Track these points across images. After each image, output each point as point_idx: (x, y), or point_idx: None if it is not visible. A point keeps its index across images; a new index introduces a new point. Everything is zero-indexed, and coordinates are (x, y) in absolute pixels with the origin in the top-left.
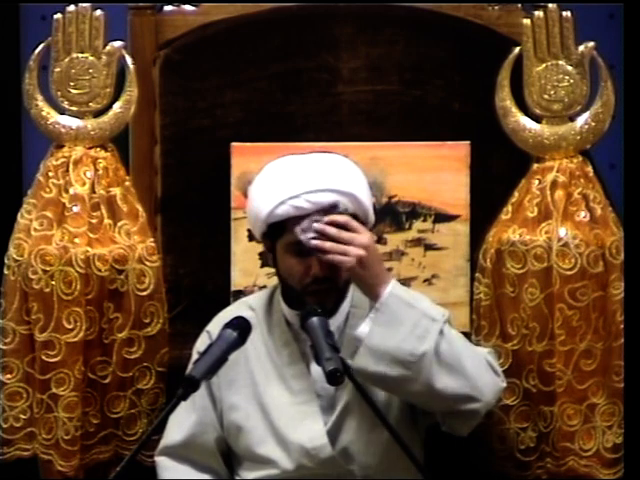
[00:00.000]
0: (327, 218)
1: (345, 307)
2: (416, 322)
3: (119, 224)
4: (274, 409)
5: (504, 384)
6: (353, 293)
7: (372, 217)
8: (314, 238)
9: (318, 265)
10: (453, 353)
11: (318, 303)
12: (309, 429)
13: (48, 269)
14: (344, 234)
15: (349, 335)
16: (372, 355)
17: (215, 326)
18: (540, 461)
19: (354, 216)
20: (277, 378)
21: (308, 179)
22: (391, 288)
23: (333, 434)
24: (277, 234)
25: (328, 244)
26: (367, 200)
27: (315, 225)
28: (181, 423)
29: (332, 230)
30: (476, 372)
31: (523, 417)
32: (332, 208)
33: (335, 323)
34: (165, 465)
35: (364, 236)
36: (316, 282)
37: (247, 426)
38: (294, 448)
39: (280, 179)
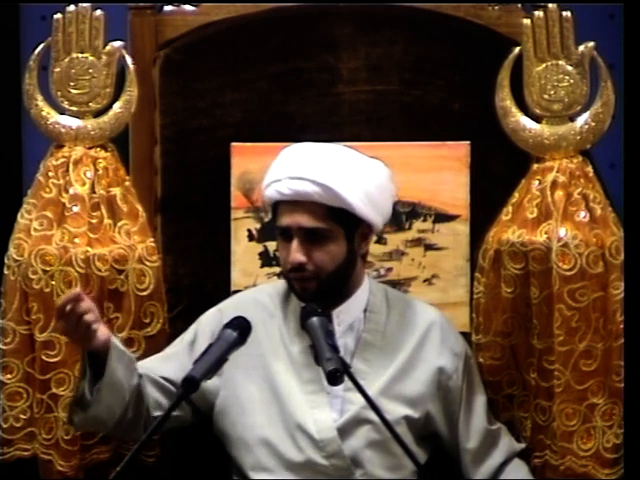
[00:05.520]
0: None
1: (356, 306)
2: None
3: (119, 224)
4: (285, 394)
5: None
6: (369, 297)
7: (366, 213)
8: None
9: (293, 252)
10: None
11: (301, 289)
12: (317, 419)
13: (48, 269)
14: None
15: (365, 339)
16: None
17: (229, 308)
18: (538, 451)
19: (336, 209)
20: (289, 365)
21: (292, 166)
22: None
23: (342, 434)
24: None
25: None
26: (353, 195)
27: None
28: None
29: None
30: None
31: (524, 407)
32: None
33: (347, 320)
34: None
35: None
36: (294, 270)
37: (254, 407)
38: (301, 436)
39: (275, 163)
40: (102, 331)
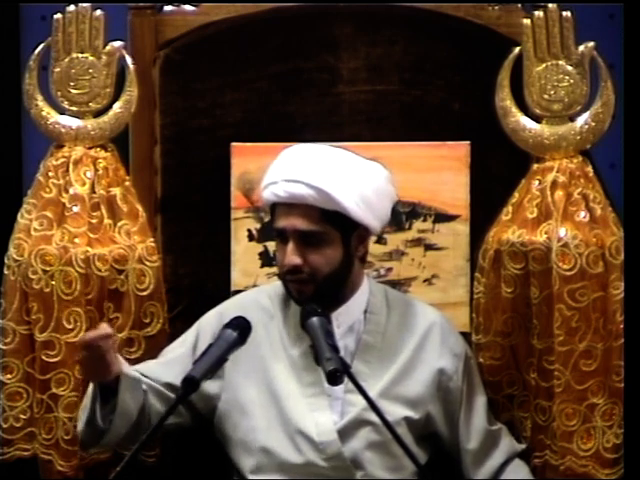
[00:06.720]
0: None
1: (356, 308)
2: None
3: (119, 224)
4: (285, 397)
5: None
6: (369, 298)
7: (362, 217)
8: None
9: (288, 254)
10: None
11: (298, 292)
12: (318, 422)
13: (48, 269)
14: None
15: (365, 340)
16: None
17: (230, 310)
18: (538, 451)
19: (331, 213)
20: (289, 368)
21: (288, 168)
22: None
23: (342, 436)
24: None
25: None
26: (348, 198)
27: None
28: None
29: None
30: None
31: (524, 407)
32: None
33: (347, 322)
34: None
35: None
36: (290, 272)
37: (254, 410)
38: (301, 439)
39: (273, 165)
40: (116, 367)
